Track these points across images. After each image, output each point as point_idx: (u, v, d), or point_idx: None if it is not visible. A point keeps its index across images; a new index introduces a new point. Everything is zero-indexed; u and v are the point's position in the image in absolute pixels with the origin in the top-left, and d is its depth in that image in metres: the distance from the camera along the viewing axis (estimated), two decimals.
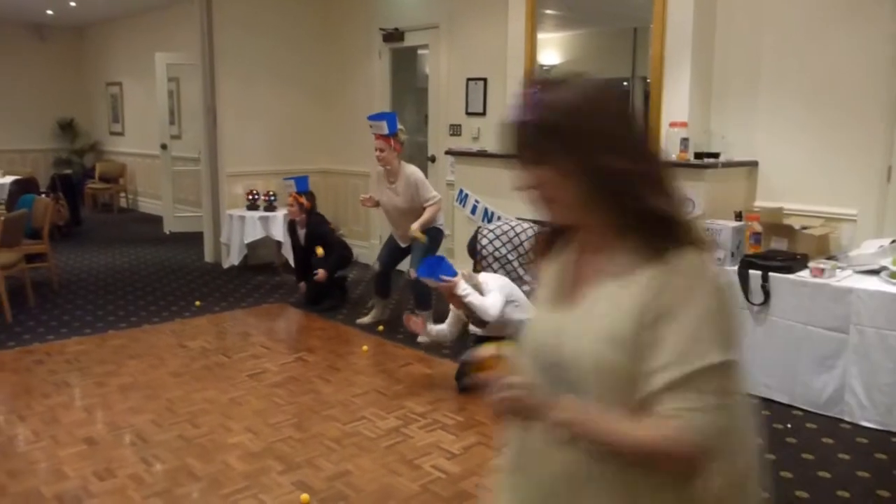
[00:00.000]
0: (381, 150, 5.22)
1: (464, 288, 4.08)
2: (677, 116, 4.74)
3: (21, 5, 10.42)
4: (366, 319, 5.63)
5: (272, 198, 7.30)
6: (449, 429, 3.79)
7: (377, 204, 5.52)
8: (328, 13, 7.88)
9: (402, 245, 5.53)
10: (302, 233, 6.16)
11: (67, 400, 4.13)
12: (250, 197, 7.34)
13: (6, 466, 3.32)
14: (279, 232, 7.16)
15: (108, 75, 12.29)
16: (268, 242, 7.41)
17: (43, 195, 7.67)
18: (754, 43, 4.73)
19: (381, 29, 7.26)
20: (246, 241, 7.19)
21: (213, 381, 4.43)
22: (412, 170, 5.33)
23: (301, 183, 6.16)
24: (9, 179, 8.75)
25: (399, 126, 5.30)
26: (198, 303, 6.20)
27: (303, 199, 6.06)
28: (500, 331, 4.22)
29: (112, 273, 7.37)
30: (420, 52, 7.52)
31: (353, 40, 7.67)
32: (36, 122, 12.39)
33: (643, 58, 5.24)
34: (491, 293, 4.15)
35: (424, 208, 5.26)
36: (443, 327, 4.48)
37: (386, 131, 5.17)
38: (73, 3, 10.26)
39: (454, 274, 4.09)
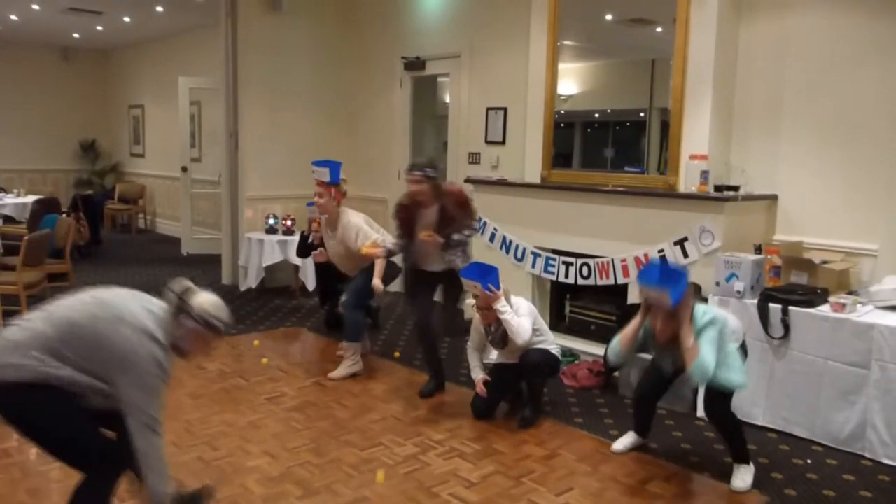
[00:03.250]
0: (320, 196, 5.00)
1: (504, 304, 4.09)
2: (698, 149, 4.77)
3: (48, 28, 10.65)
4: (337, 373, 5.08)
5: (292, 222, 7.36)
6: (467, 457, 3.79)
7: (327, 260, 5.40)
8: (351, 40, 8.00)
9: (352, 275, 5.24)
10: (333, 234, 5.26)
11: None
12: (269, 220, 7.40)
13: (27, 485, 3.35)
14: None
15: (131, 98, 12.50)
16: (285, 266, 7.46)
17: (64, 215, 7.78)
18: (776, 76, 4.77)
19: (402, 57, 7.37)
20: (264, 265, 7.24)
21: (231, 403, 4.45)
22: (351, 217, 5.06)
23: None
24: (31, 199, 8.87)
25: (342, 177, 5.08)
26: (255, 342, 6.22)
27: (334, 191, 5.03)
28: (514, 357, 4.23)
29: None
30: (440, 79, 7.61)
31: (375, 68, 7.77)
32: (59, 142, 12.61)
33: (660, 89, 5.29)
34: (523, 317, 4.16)
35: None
36: (475, 356, 4.47)
37: (327, 179, 4.99)
38: (99, 28, 10.47)
39: (499, 287, 4.11)
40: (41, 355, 2.37)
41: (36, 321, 2.44)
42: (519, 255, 5.61)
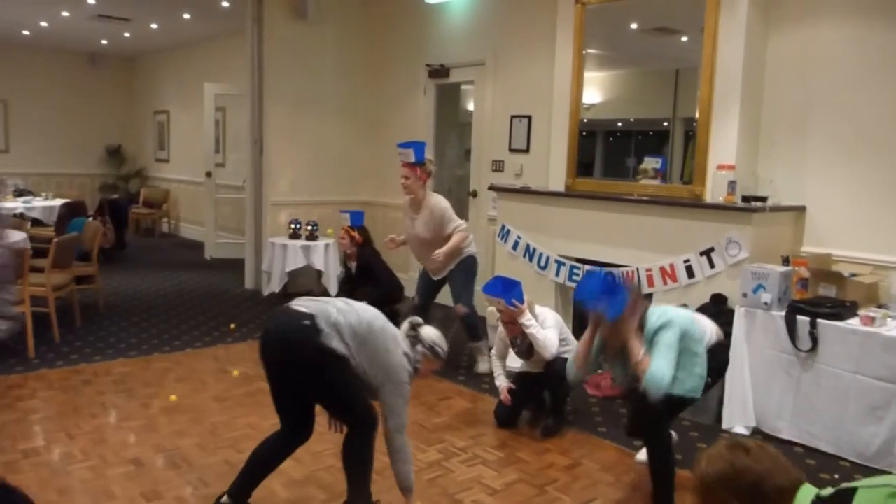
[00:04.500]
0: (406, 178, 5.14)
1: (529, 318, 4.09)
2: (725, 159, 4.75)
3: (76, 34, 10.82)
4: None
5: (314, 227, 7.40)
6: (490, 464, 3.78)
7: (403, 243, 5.47)
8: (376, 48, 8.06)
9: (435, 278, 5.43)
10: (353, 265, 6.05)
11: (114, 421, 4.20)
12: (292, 226, 7.45)
13: (57, 484, 3.39)
14: (320, 261, 7.26)
15: (156, 104, 12.65)
16: (308, 271, 7.50)
17: (91, 218, 7.87)
18: (805, 87, 4.74)
19: (427, 65, 7.40)
20: (287, 270, 7.29)
21: (256, 407, 4.48)
22: (437, 199, 5.23)
23: (356, 217, 6.06)
24: (58, 202, 8.99)
25: (428, 156, 5.22)
26: (232, 326, 6.29)
27: (354, 233, 5.91)
28: (539, 366, 4.22)
29: (155, 297, 7.51)
30: (464, 87, 7.63)
31: (399, 75, 7.82)
32: (85, 147, 12.80)
33: (685, 99, 5.28)
34: (549, 329, 4.15)
35: (448, 237, 5.16)
36: (500, 364, 4.46)
37: (412, 159, 5.11)
38: (126, 34, 10.62)
39: (522, 301, 4.10)
40: (350, 343, 2.88)
41: (350, 315, 2.93)
42: (542, 263, 5.61)
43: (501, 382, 4.35)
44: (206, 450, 3.83)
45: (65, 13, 9.17)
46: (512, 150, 6.57)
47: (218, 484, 3.44)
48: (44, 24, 9.88)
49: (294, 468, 3.63)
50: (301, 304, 2.96)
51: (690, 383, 3.25)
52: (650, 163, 5.31)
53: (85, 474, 3.50)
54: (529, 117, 6.42)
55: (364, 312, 3.00)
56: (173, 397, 4.53)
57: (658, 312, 3.27)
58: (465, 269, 5.28)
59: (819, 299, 4.21)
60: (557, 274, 5.51)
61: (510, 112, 6.59)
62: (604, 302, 3.16)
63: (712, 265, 4.62)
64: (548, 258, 5.57)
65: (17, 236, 5.85)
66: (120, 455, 3.72)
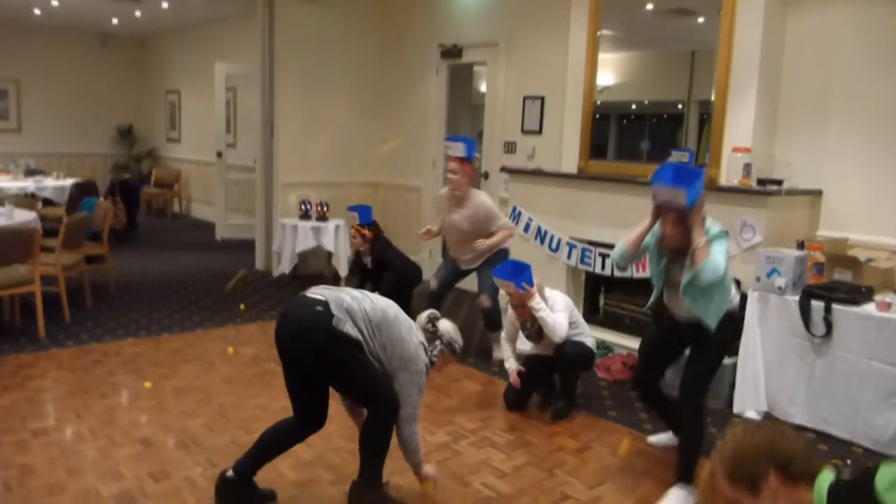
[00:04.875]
0: (454, 173, 5.09)
1: (538, 301, 4.06)
2: (741, 142, 4.67)
3: (87, 14, 10.77)
4: None
5: (325, 206, 7.37)
6: (499, 447, 3.76)
7: (437, 234, 5.44)
8: (388, 28, 7.98)
9: (464, 268, 5.37)
10: (368, 260, 5.95)
11: (124, 400, 4.20)
12: (303, 206, 7.43)
13: (66, 464, 3.39)
14: (330, 242, 7.23)
15: (167, 83, 12.61)
16: (319, 252, 7.48)
17: (102, 199, 7.88)
18: (824, 69, 4.65)
19: (439, 45, 7.33)
20: (297, 251, 7.27)
21: (264, 388, 4.48)
22: (483, 198, 5.18)
23: (364, 214, 5.92)
24: (69, 182, 9.00)
25: (475, 153, 5.22)
26: (242, 306, 6.29)
27: (365, 231, 5.81)
28: (549, 349, 4.19)
29: (166, 277, 7.52)
30: (477, 68, 7.55)
31: (411, 55, 7.74)
32: (96, 127, 12.78)
33: (700, 81, 5.19)
34: (559, 313, 4.12)
35: (492, 232, 5.12)
36: (509, 347, 4.43)
37: (462, 154, 5.07)
38: (137, 13, 10.56)
39: (532, 284, 4.06)
40: (363, 328, 2.88)
41: (364, 302, 2.94)
42: (554, 245, 5.56)
43: (511, 365, 4.33)
44: (214, 430, 3.83)
45: None
46: (524, 132, 6.51)
47: (226, 464, 3.42)
48: (55, 3, 9.83)
49: (303, 449, 3.61)
50: (315, 292, 2.94)
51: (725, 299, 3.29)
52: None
53: (94, 454, 3.50)
54: (543, 99, 6.35)
55: (378, 300, 3.01)
56: (148, 384, 4.41)
57: (713, 223, 3.27)
58: (497, 261, 5.17)
59: (834, 284, 4.15)
60: (569, 256, 5.46)
61: (523, 93, 6.51)
62: (682, 188, 3.10)
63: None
64: (560, 240, 5.53)
65: (26, 216, 5.86)
66: (129, 435, 3.73)
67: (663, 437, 3.86)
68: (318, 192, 7.72)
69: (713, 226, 3.23)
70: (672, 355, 3.66)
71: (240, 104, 10.17)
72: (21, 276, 5.17)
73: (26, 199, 7.70)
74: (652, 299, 3.49)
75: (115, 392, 4.32)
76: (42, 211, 7.77)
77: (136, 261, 8.25)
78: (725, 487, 1.57)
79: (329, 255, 7.40)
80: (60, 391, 4.31)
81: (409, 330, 3.00)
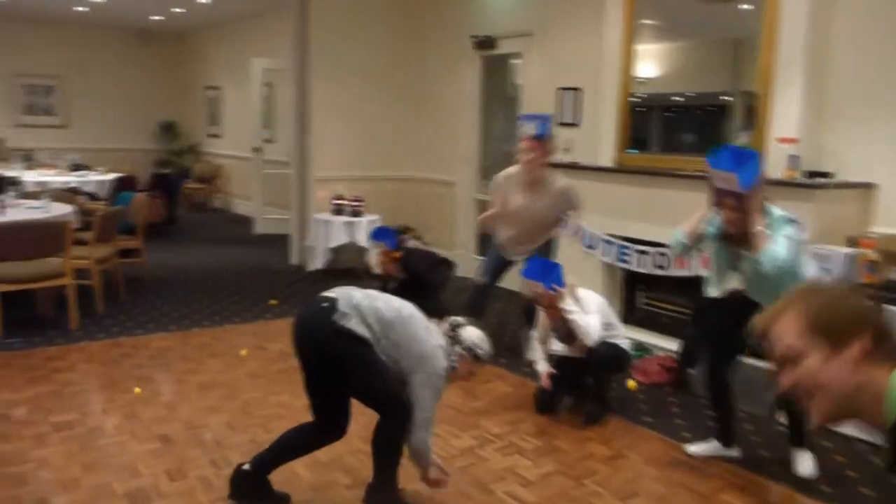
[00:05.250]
0: (528, 153, 4.72)
1: (569, 303, 3.89)
2: (787, 132, 4.42)
3: (129, 11, 10.89)
4: None
5: (359, 203, 7.29)
6: (526, 453, 3.61)
7: (493, 218, 5.04)
8: (421, 20, 7.86)
9: (512, 258, 5.05)
10: (399, 278, 5.68)
11: (149, 395, 4.16)
12: (336, 202, 7.36)
13: (84, 459, 3.35)
14: (363, 237, 7.15)
15: (207, 79, 12.71)
16: (352, 247, 7.41)
17: (141, 193, 7.92)
18: (875, 55, 4.35)
19: (472, 36, 7.18)
20: (330, 246, 7.21)
21: (289, 385, 4.39)
22: (565, 181, 4.91)
23: (388, 237, 5.76)
24: (111, 177, 9.09)
25: (551, 131, 4.92)
26: (273, 301, 6.24)
27: (395, 254, 5.63)
28: (581, 350, 4.02)
29: (200, 271, 7.54)
30: (511, 59, 7.38)
31: (444, 47, 7.61)
32: (139, 123, 12.96)
33: (747, 71, 4.93)
34: (592, 315, 3.94)
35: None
36: (541, 348, 4.26)
37: (533, 132, 4.79)
38: (178, 10, 10.64)
39: (562, 285, 3.90)
40: (374, 326, 2.79)
41: (377, 300, 2.86)
42: (590, 242, 5.37)
43: (542, 367, 4.17)
44: (235, 428, 3.76)
45: None
46: (560, 125, 6.31)
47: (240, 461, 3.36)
48: None
49: (320, 451, 3.51)
50: (328, 291, 2.89)
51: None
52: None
53: (112, 449, 3.46)
54: (578, 90, 6.14)
55: (393, 300, 2.92)
56: (137, 390, 4.19)
57: (780, 210, 3.15)
58: (551, 251, 5.00)
59: (889, 283, 3.89)
60: (606, 254, 5.27)
61: (558, 84, 6.31)
62: (736, 170, 2.99)
63: None
64: (596, 237, 5.33)
65: (62, 210, 5.90)
66: (150, 430, 3.68)
67: (706, 447, 3.63)
68: (352, 186, 7.64)
69: (777, 211, 3.09)
70: (743, 346, 3.45)
71: (279, 99, 10.16)
72: (53, 268, 5.18)
73: (66, 194, 7.78)
74: (712, 289, 3.34)
75: (140, 386, 4.28)
76: (85, 205, 7.86)
77: (172, 254, 8.29)
78: (795, 332, 1.31)
79: (361, 250, 7.31)
80: (87, 384, 4.29)
81: (426, 330, 2.89)
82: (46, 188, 7.95)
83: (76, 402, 4.03)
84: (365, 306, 2.80)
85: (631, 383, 4.19)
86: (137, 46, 12.88)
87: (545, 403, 4.12)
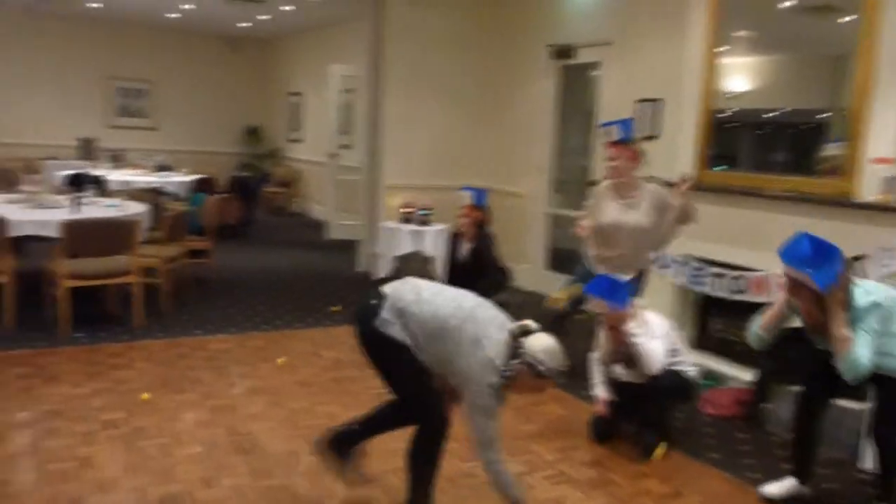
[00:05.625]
0: (613, 160, 4.43)
1: (634, 325, 3.65)
2: (882, 152, 4.04)
3: (218, 18, 11.19)
4: None
5: (426, 212, 7.18)
6: (577, 484, 3.39)
7: (590, 230, 4.65)
8: (496, 28, 7.72)
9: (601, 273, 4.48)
10: (467, 248, 5.71)
11: (197, 398, 4.14)
12: (405, 210, 7.28)
13: (125, 460, 3.33)
14: (430, 247, 7.04)
15: (290, 85, 12.95)
16: (418, 256, 7.30)
17: (217, 195, 8.05)
18: None
19: (549, 45, 6.98)
20: (396, 254, 7.13)
21: (339, 395, 4.30)
22: (653, 185, 4.50)
23: (479, 195, 5.75)
24: (191, 178, 9.32)
25: (635, 134, 4.60)
26: (334, 308, 6.18)
27: (477, 212, 5.65)
28: (645, 377, 3.76)
29: (268, 274, 7.60)
30: (589, 69, 7.14)
31: (519, 56, 7.44)
32: (225, 127, 13.34)
33: (846, 88, 4.55)
34: (656, 340, 3.69)
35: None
36: (601, 371, 4.01)
37: (615, 137, 4.46)
38: (264, 17, 10.85)
39: (629, 305, 3.67)
40: (417, 334, 2.70)
41: (426, 306, 2.72)
42: (661, 262, 5.07)
43: (600, 392, 3.93)
44: (277, 437, 3.68)
45: None
46: (642, 137, 6.01)
47: (280, 475, 3.27)
48: (187, 6, 10.26)
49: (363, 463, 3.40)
50: (388, 286, 2.86)
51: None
52: (832, 149, 4.49)
53: (153, 451, 3.43)
54: (658, 101, 5.85)
55: (444, 307, 2.71)
56: (145, 395, 4.10)
57: (867, 289, 2.92)
58: (641, 282, 4.56)
59: None
60: (678, 275, 4.96)
61: (638, 95, 6.04)
62: (811, 271, 2.78)
63: (864, 275, 3.94)
64: (668, 257, 5.03)
65: (136, 209, 6.01)
66: (193, 435, 3.64)
67: (782, 487, 3.31)
68: (421, 195, 7.54)
69: (867, 295, 2.86)
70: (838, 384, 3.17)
71: (358, 105, 10.20)
72: (122, 266, 5.27)
73: (145, 193, 7.98)
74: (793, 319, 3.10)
75: (191, 388, 4.28)
76: (163, 205, 8.05)
77: (243, 256, 8.39)
78: None
79: (430, 259, 7.20)
80: (140, 383, 4.31)
81: (475, 343, 2.63)
82: (129, 187, 8.20)
83: (126, 400, 4.04)
84: (411, 313, 2.70)
85: (659, 451, 3.75)
86: (225, 52, 13.26)
87: (601, 431, 3.88)
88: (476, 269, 5.60)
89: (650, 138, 5.93)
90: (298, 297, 6.63)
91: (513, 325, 2.71)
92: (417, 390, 2.76)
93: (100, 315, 5.53)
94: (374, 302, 2.77)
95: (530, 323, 2.71)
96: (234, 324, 5.65)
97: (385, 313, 2.71)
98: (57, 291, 5.06)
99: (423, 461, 2.81)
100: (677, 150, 5.31)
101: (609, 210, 4.48)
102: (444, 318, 2.68)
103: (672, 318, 4.14)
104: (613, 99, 6.34)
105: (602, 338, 3.96)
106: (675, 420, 3.99)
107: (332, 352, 5.09)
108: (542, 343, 2.65)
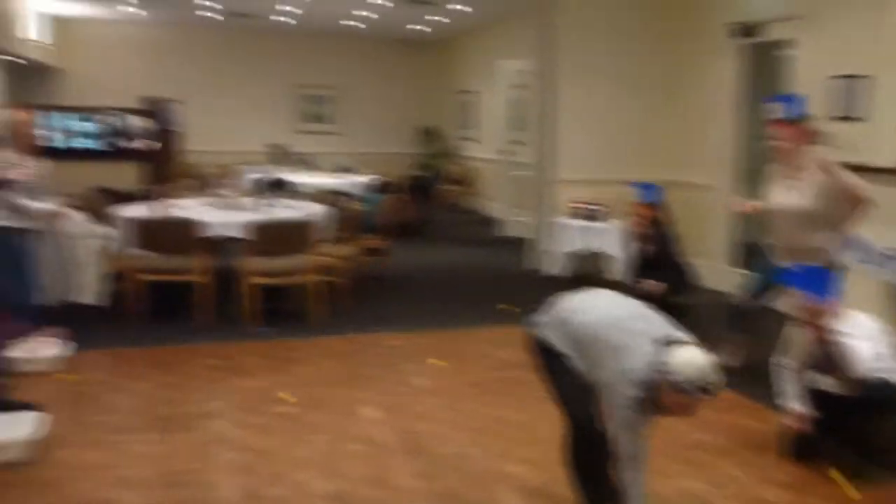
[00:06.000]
0: (777, 140, 4.09)
1: (836, 322, 3.25)
2: None
3: (396, 22, 11.50)
4: None
5: (596, 207, 6.91)
6: None
7: (756, 210, 4.39)
8: (671, 11, 7.28)
9: (782, 264, 4.05)
10: (645, 248, 5.47)
11: (369, 395, 4.19)
12: (576, 205, 7.05)
13: (296, 451, 3.44)
14: (603, 244, 6.78)
15: (461, 83, 13.09)
16: (589, 254, 7.05)
17: (391, 195, 8.27)
18: None
19: (729, 23, 6.45)
20: (565, 251, 6.92)
21: (507, 397, 4.19)
22: (829, 166, 3.90)
23: (649, 192, 5.43)
24: (366, 179, 9.63)
25: (805, 112, 4.16)
26: (503, 306, 6.06)
27: (649, 212, 5.39)
28: (846, 387, 3.30)
29: (440, 271, 7.70)
30: (778, 50, 6.50)
31: (697, 38, 6.99)
32: (402, 128, 13.76)
33: None
34: (862, 341, 3.25)
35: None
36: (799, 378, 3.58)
37: (780, 115, 4.08)
38: (442, 19, 11.02)
39: (832, 298, 3.27)
40: (572, 342, 2.67)
41: (584, 315, 2.66)
42: (864, 256, 4.48)
43: (796, 404, 3.50)
44: (443, 438, 3.64)
45: (378, 1, 9.72)
46: (836, 118, 5.38)
47: (442, 478, 3.21)
48: (363, 13, 10.64)
49: (529, 472, 3.28)
50: (558, 295, 2.87)
51: None
52: None
53: (322, 446, 3.51)
54: (857, 78, 5.18)
55: (597, 315, 2.64)
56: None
57: None
58: (830, 276, 3.71)
59: None
60: (884, 271, 4.36)
61: (835, 72, 5.39)
62: None
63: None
64: (872, 250, 4.43)
65: (316, 209, 6.25)
66: (359, 432, 3.69)
67: None
68: (595, 190, 7.26)
69: None
70: None
71: (531, 101, 10.07)
72: (301, 264, 5.49)
73: (327, 195, 8.34)
74: None
75: (361, 385, 4.35)
76: (344, 206, 8.39)
77: (416, 254, 8.53)
78: None
79: (600, 256, 6.93)
80: (313, 378, 4.46)
81: (617, 353, 2.47)
82: (313, 190, 8.62)
83: (300, 394, 4.16)
84: (569, 322, 2.68)
85: (870, 476, 3.19)
86: (401, 55, 13.67)
87: (799, 448, 3.45)
88: (655, 269, 5.30)
89: (845, 119, 5.28)
90: (468, 295, 6.63)
91: (660, 335, 2.49)
92: (565, 396, 2.72)
93: (284, 311, 5.80)
94: (541, 310, 2.83)
95: (680, 334, 2.51)
96: (407, 321, 5.71)
97: (547, 321, 2.76)
98: (244, 288, 5.37)
99: (573, 469, 2.76)
100: (879, 133, 4.67)
101: (773, 192, 4.17)
102: (595, 327, 2.61)
103: (878, 320, 3.59)
104: (805, 78, 5.71)
105: (796, 339, 3.53)
106: (890, 439, 3.47)
107: (501, 351, 4.99)
108: (686, 356, 2.41)
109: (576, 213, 7.03)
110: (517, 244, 9.03)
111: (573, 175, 7.37)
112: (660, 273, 5.28)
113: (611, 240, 6.80)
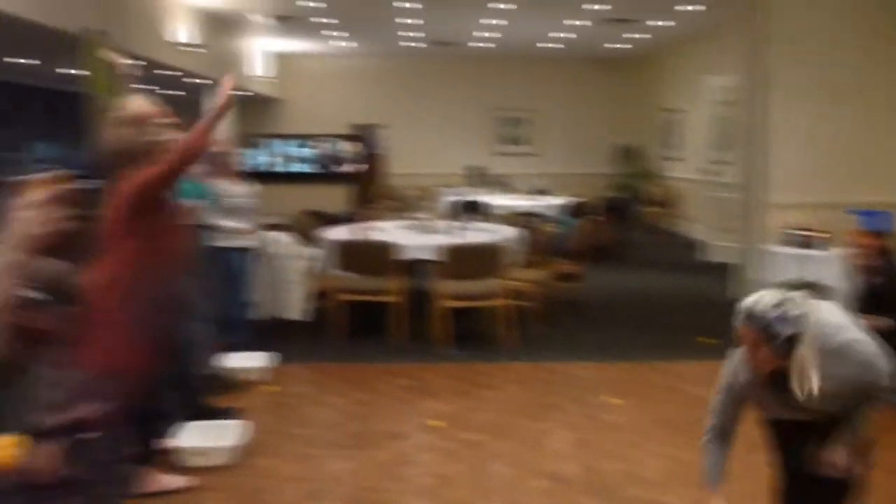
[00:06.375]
0: None
1: None
2: None
3: (595, 41, 11.36)
4: None
5: (810, 234, 6.29)
6: None
7: None
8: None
9: None
10: (871, 281, 4.85)
11: (554, 427, 4.10)
12: (789, 231, 6.46)
13: (476, 482, 3.42)
14: (820, 274, 6.11)
15: (663, 101, 12.59)
16: (807, 285, 6.41)
17: (587, 217, 8.09)
18: None
19: None
20: (774, 281, 6.35)
21: (693, 437, 3.89)
22: None
23: (872, 220, 4.95)
24: (561, 200, 9.50)
25: None
26: (702, 339, 5.67)
27: (875, 241, 4.84)
28: None
29: (636, 297, 7.42)
30: None
31: None
32: (598, 148, 13.51)
33: None
34: None
35: None
36: None
37: None
38: (643, 36, 10.72)
39: None
40: None
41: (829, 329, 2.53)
42: None
43: None
44: (630, 479, 3.46)
45: (576, 21, 9.64)
46: None
47: None
48: (561, 34, 10.59)
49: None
50: None
51: None
52: None
53: (507, 477, 3.48)
54: None
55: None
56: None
57: None
58: None
59: None
60: None
61: None
62: None
63: None
64: None
65: (508, 233, 6.24)
66: (544, 466, 3.61)
67: None
68: (812, 214, 6.61)
69: None
70: None
71: (738, 118, 9.46)
72: (492, 288, 5.51)
73: (519, 217, 8.34)
74: None
75: (545, 416, 4.27)
76: (537, 229, 8.35)
77: (613, 278, 8.26)
78: None
79: (821, 290, 6.27)
80: (499, 405, 4.45)
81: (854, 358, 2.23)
82: (508, 212, 8.67)
83: (485, 421, 4.16)
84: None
85: None
86: (599, 74, 13.46)
87: None
88: (883, 304, 4.71)
89: None
90: (665, 324, 6.32)
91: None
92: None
93: (474, 334, 5.84)
94: None
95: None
96: (598, 350, 5.54)
97: None
98: (436, 310, 5.49)
99: None
100: None
101: None
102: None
103: None
104: None
105: None
106: None
107: (697, 388, 4.67)
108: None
109: (789, 240, 6.44)
110: (720, 270, 8.48)
111: (785, 198, 6.77)
112: (888, 308, 4.70)
113: (830, 270, 6.15)
